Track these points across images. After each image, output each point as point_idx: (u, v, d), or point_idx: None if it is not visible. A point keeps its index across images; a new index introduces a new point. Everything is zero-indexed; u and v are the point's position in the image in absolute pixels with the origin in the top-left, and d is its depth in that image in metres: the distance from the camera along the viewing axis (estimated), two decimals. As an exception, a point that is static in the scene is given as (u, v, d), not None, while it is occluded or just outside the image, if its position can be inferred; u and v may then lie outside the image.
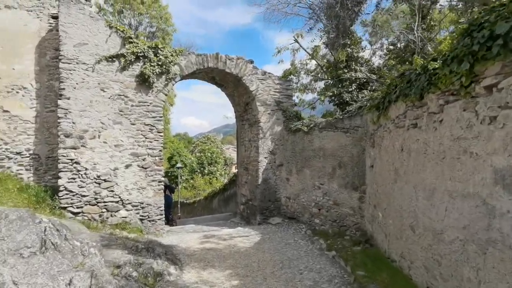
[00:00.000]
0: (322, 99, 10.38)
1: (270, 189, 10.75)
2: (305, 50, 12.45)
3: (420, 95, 4.46)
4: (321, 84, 13.71)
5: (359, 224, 8.43)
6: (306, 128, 9.83)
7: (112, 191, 8.88)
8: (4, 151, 9.04)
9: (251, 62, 10.64)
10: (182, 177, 33.51)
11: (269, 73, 10.90)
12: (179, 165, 26.85)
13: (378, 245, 6.96)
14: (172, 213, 13.27)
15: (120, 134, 8.99)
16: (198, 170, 34.35)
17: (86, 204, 8.64)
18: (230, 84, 11.25)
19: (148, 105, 9.29)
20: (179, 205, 25.05)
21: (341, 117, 8.89)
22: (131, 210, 9.06)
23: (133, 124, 9.12)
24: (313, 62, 13.58)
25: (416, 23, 8.83)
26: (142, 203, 9.15)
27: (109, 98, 8.90)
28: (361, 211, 8.38)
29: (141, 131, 9.20)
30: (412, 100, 4.75)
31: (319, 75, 12.84)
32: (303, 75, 13.49)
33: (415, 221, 4.79)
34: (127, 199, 9.02)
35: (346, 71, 10.30)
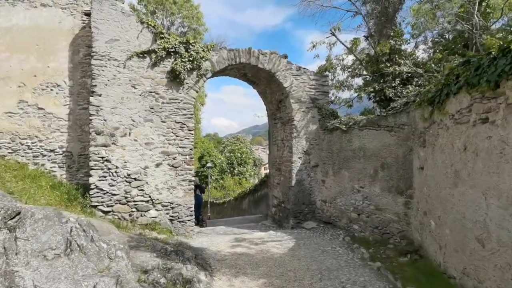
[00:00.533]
0: (362, 95, 9.64)
1: (304, 192, 10.15)
2: (343, 44, 11.74)
3: (495, 84, 3.74)
4: (358, 81, 12.93)
5: (405, 232, 7.66)
6: (344, 126, 9.16)
7: (142, 190, 8.66)
8: (38, 148, 9.07)
9: (285, 57, 10.11)
10: (212, 177, 33.49)
11: (304, 68, 10.31)
12: (209, 164, 26.79)
13: (430, 257, 6.19)
14: (202, 213, 12.98)
15: (151, 132, 8.75)
16: (228, 170, 34.23)
17: (116, 203, 8.47)
18: (263, 80, 10.77)
19: (179, 102, 8.99)
20: (209, 205, 24.95)
21: (384, 114, 8.15)
22: (161, 210, 8.79)
23: (164, 122, 8.85)
24: (350, 57, 12.84)
25: (476, 7, 7.87)
26: (172, 203, 8.87)
27: (140, 95, 8.69)
28: (407, 218, 7.60)
29: (172, 129, 8.92)
30: (482, 90, 4.03)
31: (357, 70, 12.07)
32: (339, 71, 12.78)
33: (486, 234, 4.06)
34: (157, 199, 8.76)
35: (388, 64, 9.50)
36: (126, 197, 8.53)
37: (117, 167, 8.48)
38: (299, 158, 10.13)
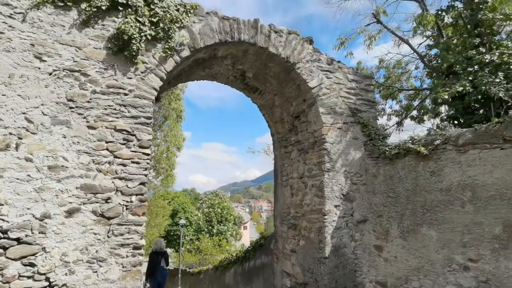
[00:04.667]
0: (442, 96, 5.77)
1: (345, 267, 5.76)
2: (393, 33, 8.13)
3: None
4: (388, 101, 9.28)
5: None
6: (423, 148, 5.18)
7: (33, 265, 4.06)
8: None
9: (310, 41, 6.38)
10: (186, 237, 28.00)
11: (338, 61, 6.57)
12: (182, 221, 21.65)
13: None
14: (165, 298, 8.06)
15: (63, 146, 4.42)
16: (206, 229, 28.86)
17: (-33, 296, 3.81)
18: (271, 83, 6.88)
19: (126, 94, 4.83)
20: (179, 275, 19.48)
21: (519, 117, 4.26)
22: (69, 310, 4.14)
23: (92, 128, 4.58)
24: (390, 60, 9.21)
25: None
26: (95, 295, 4.25)
27: (51, 74, 4.51)
28: None
29: (107, 142, 4.63)
30: None
31: (406, 78, 8.55)
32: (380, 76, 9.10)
33: None
34: (64, 284, 4.15)
35: (482, 50, 5.93)
36: (-8, 282, 3.91)
37: (-22, 216, 3.96)
38: (336, 206, 5.91)
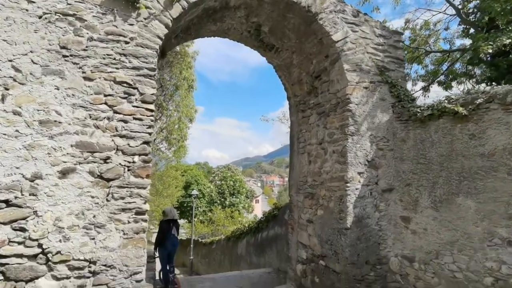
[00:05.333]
0: (485, 50, 5.05)
1: (368, 239, 5.28)
2: None
3: None
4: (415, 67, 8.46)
5: None
6: (462, 108, 4.52)
7: (23, 230, 3.69)
8: None
9: (335, -10, 5.62)
10: (199, 208, 28.14)
11: (365, 14, 5.82)
12: (194, 192, 21.57)
13: None
14: (174, 267, 7.74)
15: (56, 99, 3.94)
16: (218, 201, 28.91)
17: (-44, 260, 3.51)
18: (289, 37, 6.19)
19: (127, 42, 4.28)
20: (192, 245, 19.62)
21: None
22: (67, 278, 3.80)
23: (89, 79, 4.08)
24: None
25: None
26: (94, 263, 3.89)
27: (41, 17, 3.97)
28: None
29: (106, 95, 4.13)
30: None
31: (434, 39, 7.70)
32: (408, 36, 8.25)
33: None
34: (59, 252, 3.79)
35: None
36: (-18, 246, 3.58)
37: (-36, 174, 3.58)
38: (359, 174, 5.36)
